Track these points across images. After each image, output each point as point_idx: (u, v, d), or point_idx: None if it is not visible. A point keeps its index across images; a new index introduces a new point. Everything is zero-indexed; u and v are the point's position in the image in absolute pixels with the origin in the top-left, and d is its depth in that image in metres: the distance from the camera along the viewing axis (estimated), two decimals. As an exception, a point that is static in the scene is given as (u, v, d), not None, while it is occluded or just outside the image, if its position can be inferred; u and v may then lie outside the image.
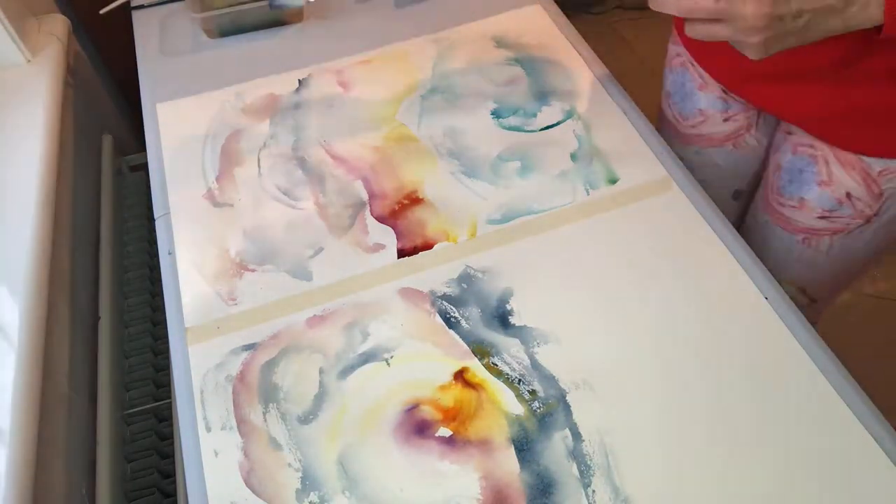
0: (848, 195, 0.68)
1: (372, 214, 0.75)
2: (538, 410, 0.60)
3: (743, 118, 0.77)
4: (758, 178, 0.82)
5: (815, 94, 0.65)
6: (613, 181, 0.76)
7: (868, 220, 0.69)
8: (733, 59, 0.60)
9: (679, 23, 0.79)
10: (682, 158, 0.78)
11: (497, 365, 0.63)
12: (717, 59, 0.75)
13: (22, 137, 0.84)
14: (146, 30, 1.01)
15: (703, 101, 0.79)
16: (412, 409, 0.61)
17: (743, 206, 0.87)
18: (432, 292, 0.69)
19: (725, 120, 0.78)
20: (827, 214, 0.71)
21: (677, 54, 0.83)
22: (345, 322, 0.67)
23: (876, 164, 0.65)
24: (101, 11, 1.00)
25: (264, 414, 0.61)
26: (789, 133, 0.73)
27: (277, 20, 0.99)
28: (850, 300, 1.41)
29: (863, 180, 0.67)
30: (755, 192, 0.84)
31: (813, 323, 0.73)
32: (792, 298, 0.69)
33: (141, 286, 0.97)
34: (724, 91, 0.77)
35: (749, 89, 0.73)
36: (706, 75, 0.78)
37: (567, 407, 0.60)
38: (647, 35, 2.04)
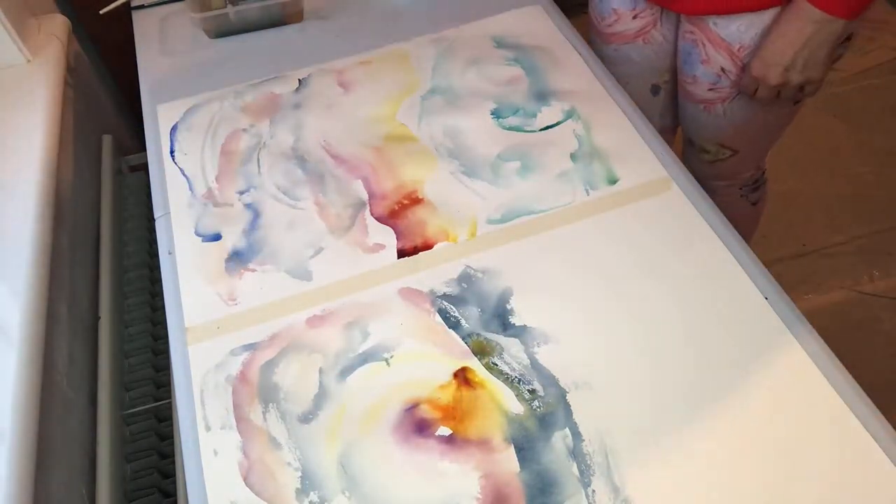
0: (722, 69, 0.85)
1: (372, 214, 0.75)
2: (538, 410, 0.60)
3: (648, 15, 0.91)
4: (672, 73, 0.97)
5: None
6: (613, 181, 0.76)
7: (741, 89, 0.85)
8: None
9: None
10: (604, 58, 0.93)
11: (497, 365, 0.63)
12: None
13: (22, 137, 0.84)
14: (146, 30, 1.01)
15: (615, 0, 0.93)
16: (412, 408, 0.61)
17: (664, 102, 1.02)
18: (432, 292, 0.69)
19: (634, 17, 0.92)
20: (712, 87, 0.88)
21: None
22: (345, 322, 0.67)
23: (734, 42, 0.81)
24: (101, 11, 1.00)
25: (264, 414, 0.61)
26: (679, 22, 0.89)
27: (277, 20, 0.99)
28: (849, 300, 1.41)
29: (730, 57, 0.83)
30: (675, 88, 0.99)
31: (759, 169, 1.05)
32: (717, 152, 0.97)
33: (141, 286, 0.97)
34: None
35: None
36: None
37: (567, 406, 0.60)
38: (646, 35, 2.04)
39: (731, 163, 0.99)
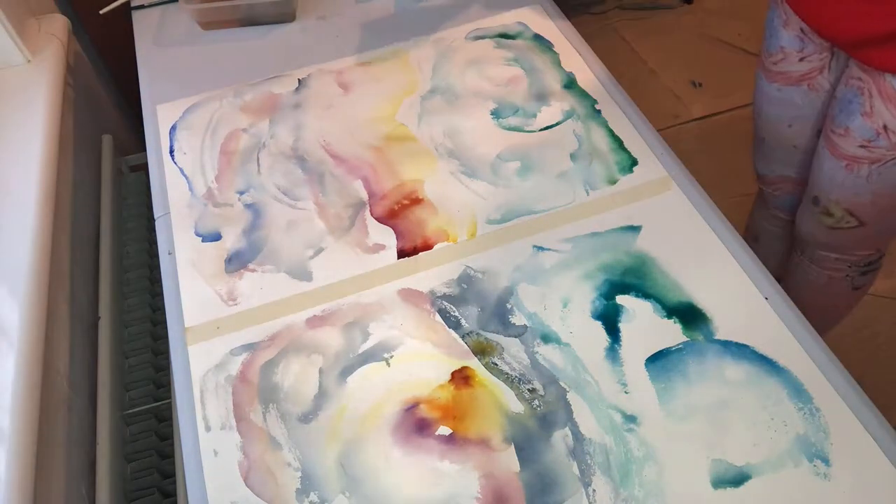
0: (885, 127, 0.75)
1: (372, 215, 0.75)
2: (538, 409, 0.60)
3: (817, 59, 0.84)
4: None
5: (863, 14, 0.71)
6: (613, 181, 0.76)
7: None
8: None
9: None
10: (767, 97, 0.90)
11: (497, 364, 0.63)
12: None
13: (22, 137, 0.84)
14: (146, 30, 1.01)
15: (784, 38, 0.85)
16: (412, 408, 0.61)
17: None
18: (432, 292, 0.69)
19: (801, 60, 0.84)
20: (866, 144, 0.78)
21: None
22: (345, 322, 0.67)
23: None
24: (101, 11, 1.00)
25: (264, 414, 0.61)
26: (847, 67, 0.80)
27: (269, 18, 0.99)
28: (849, 300, 1.41)
29: None
30: None
31: (878, 251, 0.94)
32: (841, 218, 0.87)
33: (141, 286, 0.97)
34: (801, 30, 0.83)
35: (811, 9, 0.79)
36: (790, 11, 0.83)
37: (567, 406, 0.60)
38: (647, 35, 2.04)
39: (853, 235, 0.89)
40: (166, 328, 0.69)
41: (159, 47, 0.99)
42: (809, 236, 0.94)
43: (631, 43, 2.04)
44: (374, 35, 0.96)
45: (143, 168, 1.01)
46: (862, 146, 0.78)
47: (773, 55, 0.87)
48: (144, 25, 1.02)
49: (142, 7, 1.04)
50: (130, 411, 0.84)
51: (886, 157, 0.77)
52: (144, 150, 0.86)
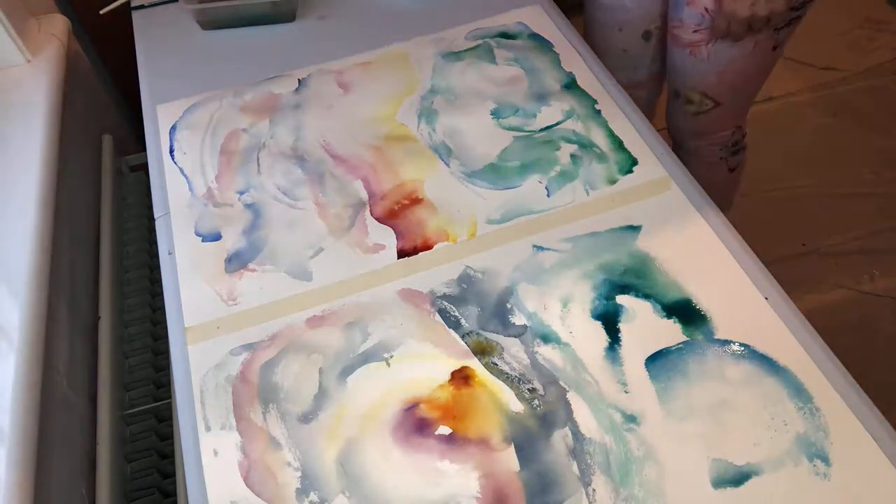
0: (706, 9, 0.89)
1: (372, 214, 0.75)
2: (538, 409, 0.60)
3: None
4: (664, 19, 1.00)
5: None
6: (613, 181, 0.76)
7: (727, 31, 0.87)
8: None
9: None
10: (598, 5, 1.00)
11: (497, 364, 0.63)
12: None
13: (22, 137, 0.84)
14: (146, 30, 1.01)
15: None
16: (412, 408, 0.61)
17: (655, 48, 1.05)
18: (432, 292, 0.69)
19: None
20: (697, 28, 0.92)
21: None
22: (345, 322, 0.67)
23: None
24: (102, 11, 1.00)
25: (264, 414, 0.61)
26: None
27: (269, 17, 0.99)
28: (849, 300, 1.41)
29: None
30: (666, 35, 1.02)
31: (740, 129, 1.09)
32: (700, 102, 1.01)
33: (141, 286, 0.97)
34: None
35: None
36: None
37: (567, 406, 0.60)
38: (646, 35, 2.04)
39: (714, 116, 1.03)
40: (166, 328, 0.69)
41: (159, 47, 0.99)
42: (680, 131, 1.09)
43: (631, 43, 2.03)
44: (374, 35, 0.96)
45: (143, 168, 1.01)
46: (695, 31, 0.92)
47: None
48: (144, 25, 1.02)
49: (142, 7, 1.04)
50: (130, 411, 0.84)
51: (715, 36, 0.91)
52: (144, 150, 0.86)
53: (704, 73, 0.97)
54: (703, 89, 0.99)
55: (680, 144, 1.13)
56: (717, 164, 1.11)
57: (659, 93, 1.15)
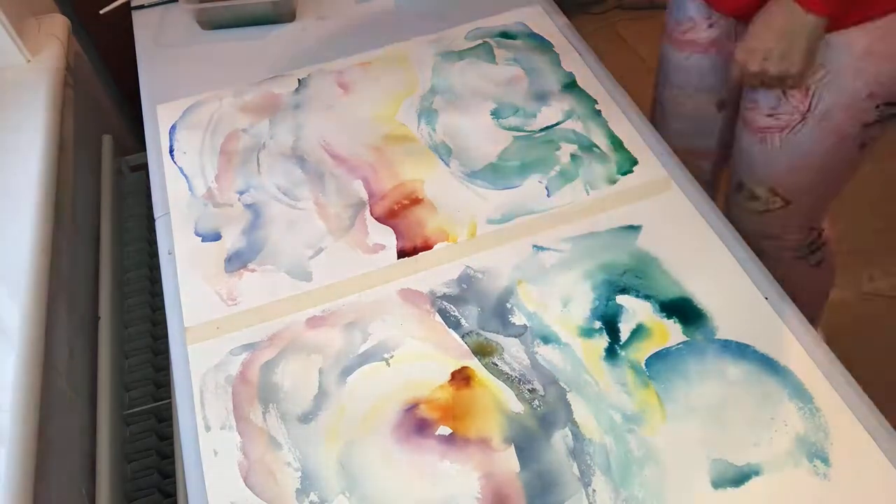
0: (784, 92, 0.79)
1: (372, 214, 0.75)
2: (538, 409, 0.60)
3: (724, 24, 0.87)
4: (738, 93, 0.91)
5: None
6: (613, 181, 0.76)
7: (804, 117, 0.79)
8: None
9: None
10: (674, 65, 0.93)
11: (497, 364, 0.63)
12: None
13: (22, 137, 0.84)
14: (146, 30, 1.01)
15: (691, 8, 0.89)
16: (412, 408, 0.61)
17: (728, 120, 0.96)
18: (432, 292, 0.69)
19: (709, 26, 0.88)
20: (772, 112, 0.81)
21: None
22: (345, 322, 0.67)
23: None
24: (102, 11, 1.00)
25: (264, 414, 0.61)
26: None
27: (269, 17, 0.99)
28: (848, 299, 1.41)
29: None
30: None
31: (813, 230, 0.94)
32: (767, 199, 0.88)
33: (141, 286, 0.97)
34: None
35: None
36: None
37: (567, 406, 0.60)
38: (647, 35, 2.04)
39: (781, 216, 0.90)
40: (166, 328, 0.69)
41: (159, 47, 0.99)
42: (745, 228, 0.90)
43: (631, 43, 2.04)
44: (374, 35, 0.96)
45: (143, 168, 1.01)
46: (769, 115, 0.82)
47: (682, 24, 0.90)
48: (144, 25, 1.02)
49: (142, 7, 1.04)
50: (130, 411, 0.84)
51: (792, 123, 0.80)
52: (144, 150, 0.86)
53: (775, 164, 0.84)
54: (771, 184, 0.86)
55: (745, 239, 0.98)
56: (796, 264, 0.97)
57: (723, 167, 1.03)
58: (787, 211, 0.88)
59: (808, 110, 0.78)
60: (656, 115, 1.02)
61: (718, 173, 1.05)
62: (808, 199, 0.88)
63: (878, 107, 0.76)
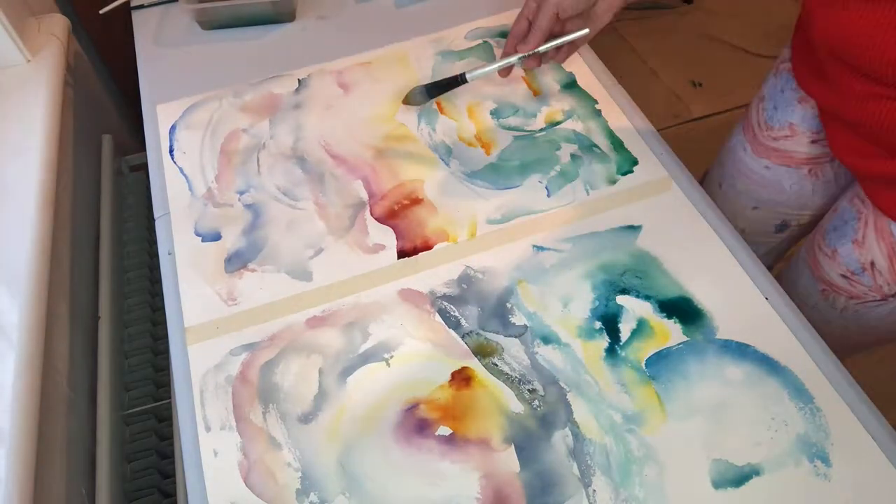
0: (872, 264, 0.66)
1: (372, 215, 0.75)
2: (538, 409, 0.60)
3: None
4: (810, 220, 0.78)
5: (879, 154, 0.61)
6: (613, 181, 0.76)
7: (885, 298, 0.67)
8: (833, 90, 0.59)
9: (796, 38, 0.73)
10: (741, 170, 0.75)
11: (497, 365, 0.63)
12: (817, 83, 0.68)
13: (22, 137, 0.84)
14: (146, 30, 1.01)
15: (798, 113, 0.73)
16: (412, 408, 0.61)
17: (785, 243, 0.82)
18: (432, 292, 0.69)
19: (813, 142, 0.72)
20: (849, 275, 0.69)
21: (786, 59, 0.76)
22: (345, 322, 0.67)
23: None
24: (101, 11, 1.00)
25: (264, 414, 0.61)
26: (854, 180, 0.70)
27: (269, 17, 0.99)
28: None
29: (888, 254, 0.64)
30: (803, 235, 0.78)
31: None
32: None
33: (141, 286, 0.97)
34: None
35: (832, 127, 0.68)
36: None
37: (568, 406, 0.60)
38: (647, 35, 2.04)
39: None
40: (166, 328, 0.69)
41: (159, 47, 0.99)
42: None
43: (631, 43, 2.04)
44: (374, 35, 0.96)
45: (143, 168, 1.01)
46: (845, 276, 0.69)
47: (776, 130, 0.74)
48: (144, 25, 1.02)
49: (142, 7, 1.04)
50: (130, 411, 0.84)
51: (867, 297, 0.68)
52: (144, 150, 0.86)
53: (827, 321, 0.73)
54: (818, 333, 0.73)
55: None
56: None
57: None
58: None
59: (894, 294, 0.66)
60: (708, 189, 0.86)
61: None
62: (841, 350, 0.72)
63: None
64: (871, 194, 0.64)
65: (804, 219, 0.79)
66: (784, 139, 0.74)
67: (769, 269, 0.76)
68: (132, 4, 1.05)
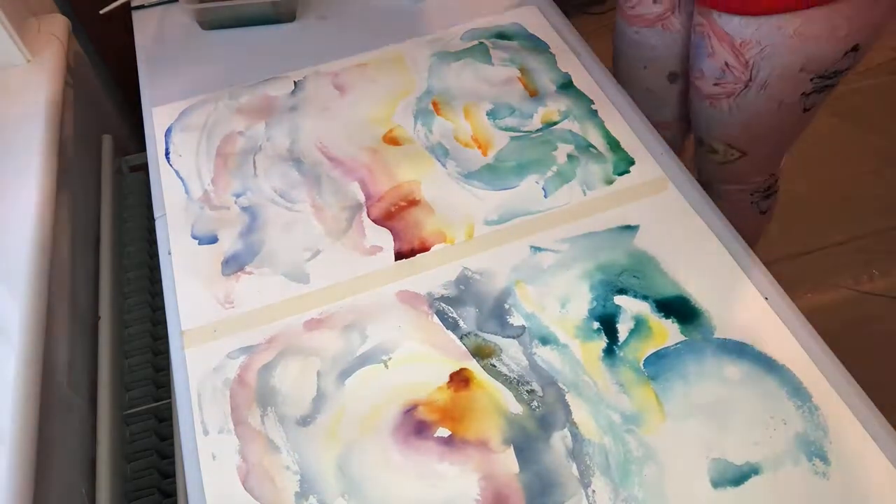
0: (726, 64, 0.84)
1: (369, 216, 0.75)
2: (537, 410, 0.60)
3: (668, 1, 0.91)
4: (686, 65, 0.96)
5: None
6: (610, 181, 0.76)
7: (747, 85, 0.84)
8: None
9: None
10: (627, 41, 0.98)
11: (496, 366, 0.63)
12: None
13: (22, 137, 0.84)
14: (146, 30, 1.01)
15: None
16: (411, 410, 0.61)
17: (681, 90, 1.02)
18: (430, 294, 0.69)
19: (655, 1, 0.92)
20: (718, 81, 0.87)
21: None
22: (342, 324, 0.67)
23: (737, 37, 0.81)
24: (102, 11, 1.00)
25: (262, 417, 0.62)
26: (693, 13, 0.88)
27: (270, 17, 0.99)
28: (849, 300, 1.41)
29: (732, 51, 0.82)
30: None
31: (772, 176, 1.04)
32: (725, 152, 0.97)
33: (141, 286, 0.97)
34: None
35: None
36: None
37: (566, 407, 0.60)
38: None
39: (741, 165, 0.98)
40: (166, 328, 0.69)
41: (159, 47, 0.99)
42: (708, 174, 1.04)
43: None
44: (371, 36, 0.96)
45: (143, 168, 1.01)
46: (715, 84, 0.87)
47: (632, 0, 0.95)
48: (144, 25, 1.02)
49: (142, 7, 1.04)
50: (130, 411, 0.84)
51: (736, 90, 0.86)
52: (144, 150, 0.86)
53: (727, 125, 0.92)
54: (726, 141, 0.95)
55: (708, 185, 1.07)
56: (748, 209, 1.07)
57: (686, 135, 1.10)
58: (744, 160, 0.97)
59: (750, 80, 0.84)
60: None
61: (681, 141, 1.12)
62: (763, 149, 0.97)
63: (812, 79, 0.82)
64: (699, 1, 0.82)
65: (684, 65, 0.97)
66: (637, 6, 0.94)
67: (688, 119, 1.02)
68: (132, 4, 1.05)
